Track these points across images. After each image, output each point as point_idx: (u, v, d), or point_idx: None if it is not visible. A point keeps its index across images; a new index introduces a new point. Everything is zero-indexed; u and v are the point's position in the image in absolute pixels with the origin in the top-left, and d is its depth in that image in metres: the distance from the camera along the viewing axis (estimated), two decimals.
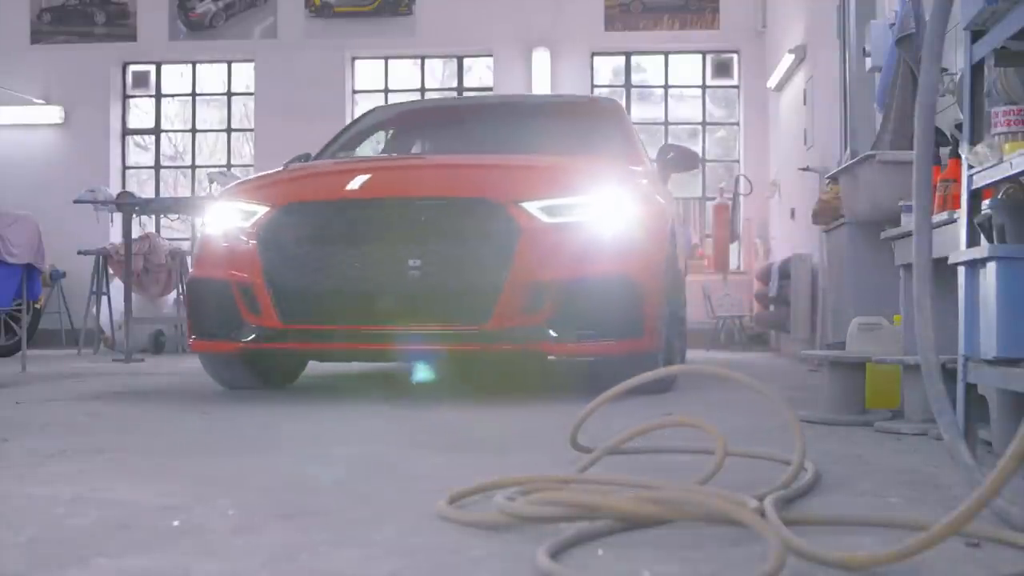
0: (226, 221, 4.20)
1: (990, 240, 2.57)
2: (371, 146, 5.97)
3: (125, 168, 12.17)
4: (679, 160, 5.31)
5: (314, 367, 5.47)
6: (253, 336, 4.00)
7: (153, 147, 12.24)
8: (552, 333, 3.86)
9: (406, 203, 3.98)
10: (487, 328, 3.81)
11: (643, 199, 4.35)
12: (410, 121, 6.13)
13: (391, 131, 5.95)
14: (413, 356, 4.45)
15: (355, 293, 3.90)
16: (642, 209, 4.26)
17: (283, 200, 4.13)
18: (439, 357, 4.35)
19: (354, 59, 11.80)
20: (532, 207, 3.91)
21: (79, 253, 9.15)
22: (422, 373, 4.39)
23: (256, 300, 3.98)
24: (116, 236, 10.04)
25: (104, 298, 8.95)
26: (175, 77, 12.27)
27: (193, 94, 12.26)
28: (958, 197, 2.71)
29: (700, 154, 11.68)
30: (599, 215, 4.01)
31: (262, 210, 4.10)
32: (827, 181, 6.33)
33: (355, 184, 4.23)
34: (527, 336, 3.85)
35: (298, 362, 4.87)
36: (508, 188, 4.01)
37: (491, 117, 5.75)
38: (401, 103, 6.32)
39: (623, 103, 11.73)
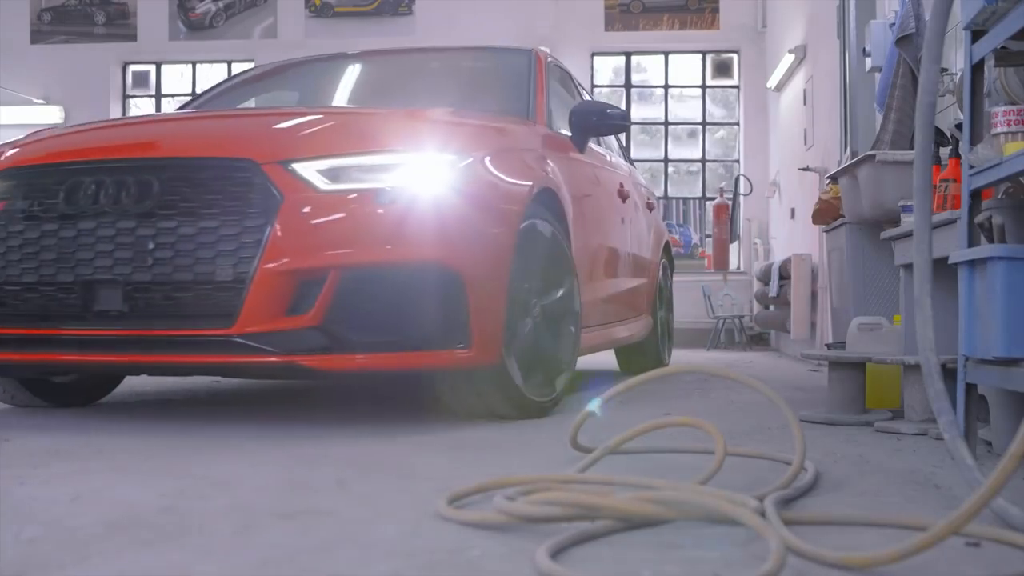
0: None
1: (990, 240, 2.57)
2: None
3: None
4: (599, 122, 4.27)
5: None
6: None
7: None
8: (327, 341, 2.87)
9: (137, 166, 3.08)
10: (232, 333, 2.86)
11: (492, 163, 3.32)
12: (295, 77, 5.12)
13: (273, 90, 5.14)
14: (147, 370, 3.37)
15: (67, 287, 3.03)
16: (486, 177, 3.25)
17: (1, 165, 3.30)
18: (182, 371, 3.38)
19: None
20: (304, 168, 2.96)
21: None
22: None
23: None
24: None
25: None
26: (175, 77, 12.28)
27: (193, 94, 12.26)
28: (958, 197, 2.72)
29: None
30: (409, 181, 3.00)
31: None
32: (827, 181, 6.33)
33: (83, 144, 3.45)
34: (291, 344, 2.86)
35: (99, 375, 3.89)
36: (273, 145, 3.08)
37: (387, 72, 4.97)
38: (292, 59, 5.32)
39: (623, 103, 11.78)
